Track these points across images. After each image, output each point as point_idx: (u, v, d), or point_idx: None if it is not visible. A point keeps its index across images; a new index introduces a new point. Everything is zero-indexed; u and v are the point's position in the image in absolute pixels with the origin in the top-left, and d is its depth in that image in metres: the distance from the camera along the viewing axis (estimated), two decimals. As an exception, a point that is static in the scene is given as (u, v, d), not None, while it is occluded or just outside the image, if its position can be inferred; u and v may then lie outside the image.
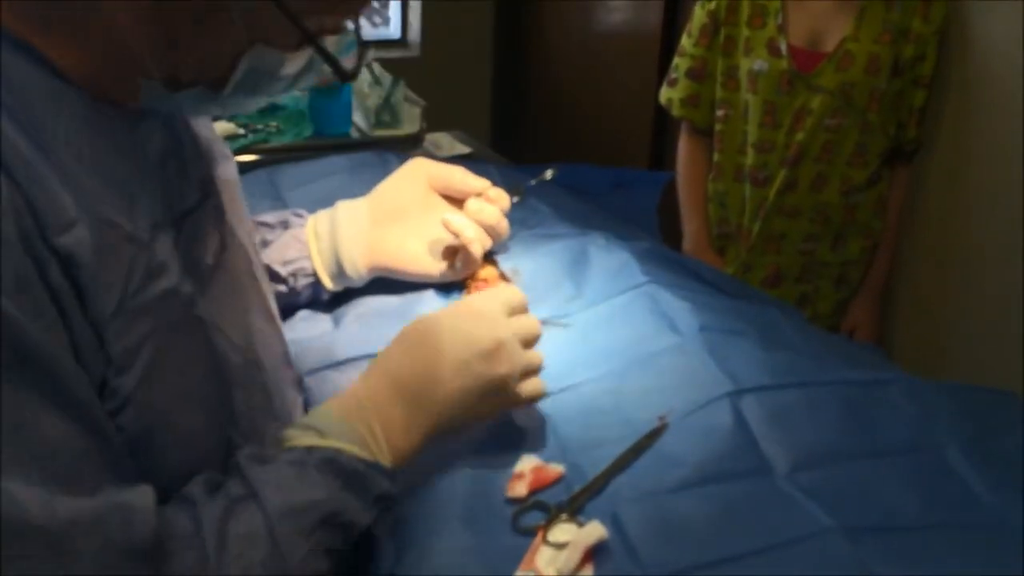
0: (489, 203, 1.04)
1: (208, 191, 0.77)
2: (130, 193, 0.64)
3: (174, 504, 0.66)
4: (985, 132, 1.73)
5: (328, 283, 1.04)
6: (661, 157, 2.73)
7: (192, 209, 0.73)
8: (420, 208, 1.06)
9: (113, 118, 0.65)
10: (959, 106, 1.78)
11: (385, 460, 0.74)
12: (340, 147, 1.78)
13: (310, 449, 0.71)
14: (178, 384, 0.66)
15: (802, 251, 1.88)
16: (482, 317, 0.82)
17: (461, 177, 1.06)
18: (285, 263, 1.02)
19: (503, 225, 1.05)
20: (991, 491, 0.79)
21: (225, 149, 0.85)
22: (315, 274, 1.03)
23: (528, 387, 0.83)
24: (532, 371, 0.84)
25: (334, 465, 0.70)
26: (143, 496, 0.60)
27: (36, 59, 0.61)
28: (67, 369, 0.57)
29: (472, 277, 1.05)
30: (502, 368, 0.79)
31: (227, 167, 0.84)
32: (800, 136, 1.78)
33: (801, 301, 1.91)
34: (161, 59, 0.63)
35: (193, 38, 0.63)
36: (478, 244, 1.01)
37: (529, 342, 0.84)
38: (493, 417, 0.84)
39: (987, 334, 1.78)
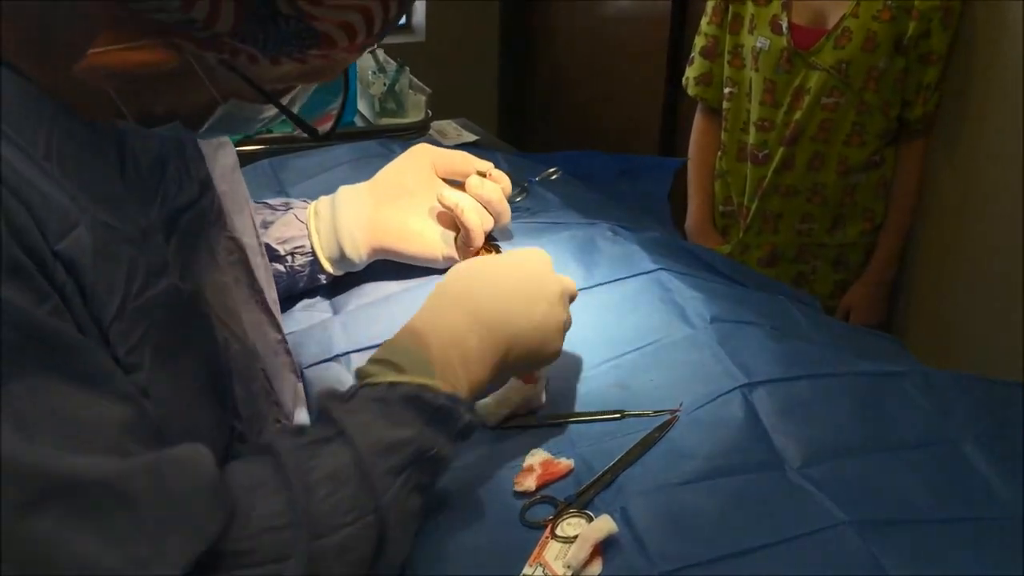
0: (491, 180, 1.04)
1: (207, 186, 0.76)
2: (116, 199, 0.63)
3: (252, 455, 0.65)
4: (999, 119, 1.71)
5: (327, 265, 1.03)
6: (671, 145, 2.70)
7: (191, 204, 0.73)
8: (423, 190, 1.05)
9: (97, 130, 0.64)
10: (974, 92, 1.75)
11: (463, 391, 0.74)
12: (344, 136, 1.77)
13: (392, 385, 0.70)
14: (181, 379, 0.66)
15: (799, 231, 1.87)
16: (543, 262, 0.85)
17: (464, 159, 1.06)
18: (283, 241, 1.01)
19: (504, 205, 1.05)
20: (1007, 485, 0.78)
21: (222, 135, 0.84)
22: (313, 253, 1.02)
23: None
24: (567, 327, 0.85)
25: (418, 402, 0.70)
26: (195, 447, 0.59)
27: (20, 73, 0.59)
28: (83, 346, 0.56)
29: None
30: (564, 312, 0.83)
31: (226, 152, 0.83)
32: (798, 115, 1.77)
33: (798, 281, 1.91)
34: (131, 106, 0.61)
35: (164, 94, 0.62)
36: (474, 213, 1.00)
37: (572, 298, 0.86)
38: (535, 367, 0.84)
39: (997, 324, 1.76)
